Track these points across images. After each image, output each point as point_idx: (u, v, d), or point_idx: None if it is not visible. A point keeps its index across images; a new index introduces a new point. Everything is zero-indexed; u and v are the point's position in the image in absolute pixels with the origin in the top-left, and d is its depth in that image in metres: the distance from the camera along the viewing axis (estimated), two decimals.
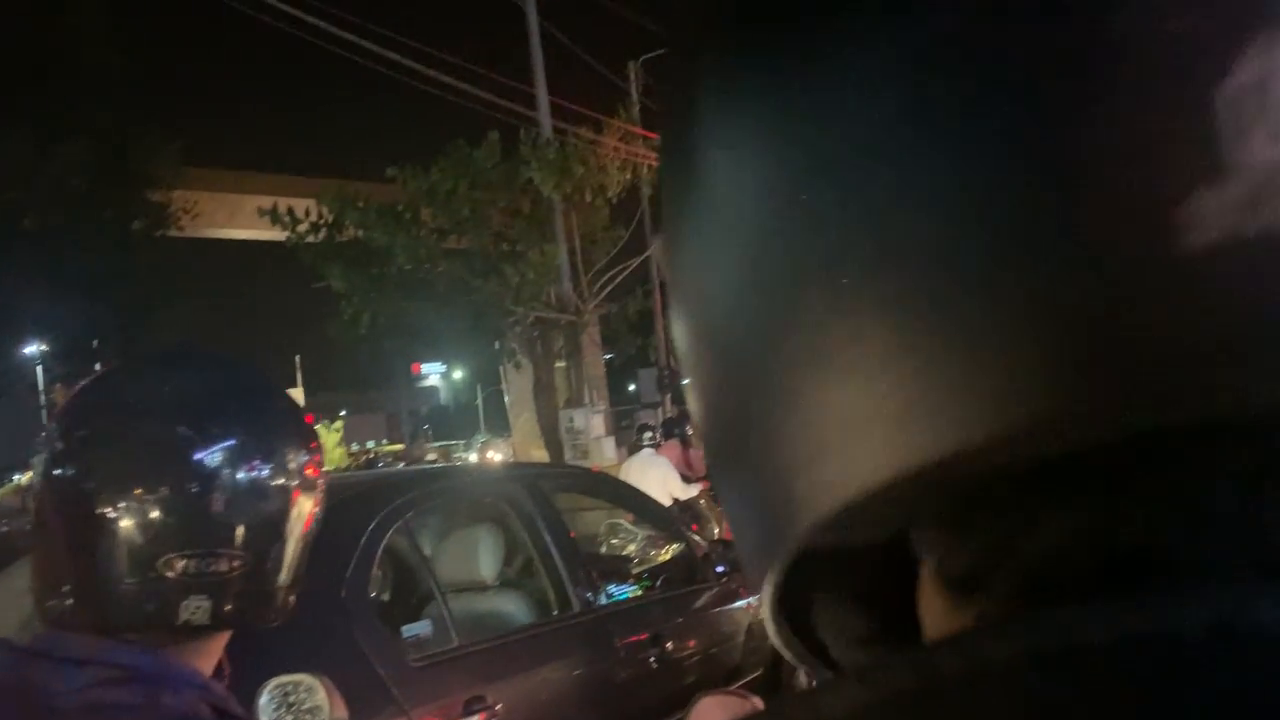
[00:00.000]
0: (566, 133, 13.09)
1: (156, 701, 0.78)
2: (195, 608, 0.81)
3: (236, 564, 0.82)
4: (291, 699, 1.55)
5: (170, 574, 0.80)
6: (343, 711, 1.53)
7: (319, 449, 0.91)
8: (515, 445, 21.31)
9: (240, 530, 0.82)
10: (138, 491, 0.80)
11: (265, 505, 0.84)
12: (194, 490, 0.81)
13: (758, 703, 1.42)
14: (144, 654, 0.82)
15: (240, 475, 0.82)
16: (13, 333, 17.28)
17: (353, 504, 2.92)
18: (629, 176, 13.26)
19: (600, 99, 14.25)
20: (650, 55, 17.40)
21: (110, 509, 0.80)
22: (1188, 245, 0.20)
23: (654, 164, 13.49)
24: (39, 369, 20.73)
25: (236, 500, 0.82)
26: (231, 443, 0.83)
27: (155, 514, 0.80)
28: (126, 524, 0.80)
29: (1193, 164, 0.20)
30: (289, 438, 0.87)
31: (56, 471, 0.82)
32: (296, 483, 0.86)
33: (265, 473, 0.84)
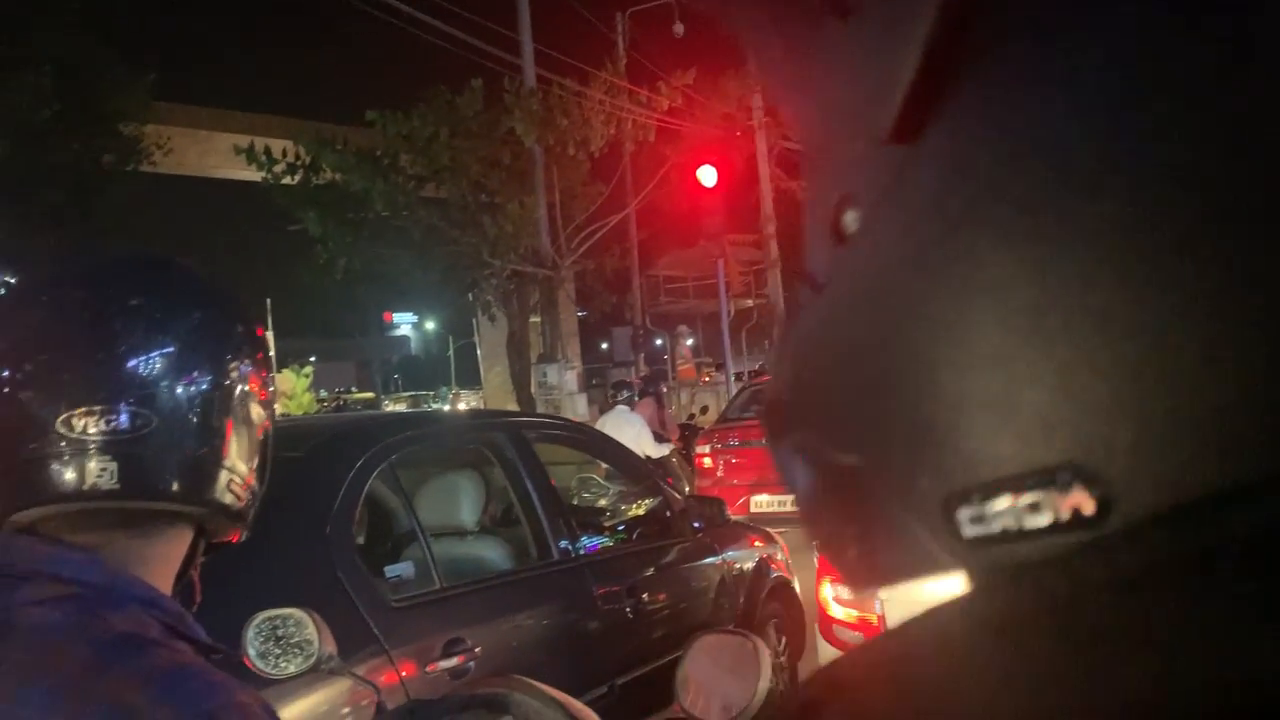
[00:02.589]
0: (551, 83, 12.92)
1: (97, 618, 0.75)
2: (101, 470, 0.77)
3: (140, 423, 0.78)
4: (280, 632, 1.52)
5: (71, 433, 0.77)
6: (332, 647, 1.51)
7: (257, 338, 0.89)
8: (486, 399, 21.29)
9: (143, 387, 0.79)
10: (36, 348, 0.80)
11: (170, 363, 0.81)
12: (90, 343, 0.79)
13: (759, 642, 1.42)
14: (91, 565, 0.79)
15: (141, 331, 0.80)
16: None
17: (339, 442, 2.90)
18: (613, 131, 13.13)
19: (587, 50, 14.07)
20: (639, 7, 17.18)
21: (9, 370, 0.79)
22: None
23: (638, 120, 13.40)
24: None
25: (136, 355, 0.79)
26: (135, 302, 0.81)
27: (53, 370, 0.78)
28: (25, 384, 0.78)
29: None
30: (204, 306, 0.85)
31: None
32: (211, 350, 0.84)
33: (170, 332, 0.81)
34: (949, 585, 0.26)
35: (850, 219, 0.28)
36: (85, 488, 0.77)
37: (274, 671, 1.47)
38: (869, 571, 0.29)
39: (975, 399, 0.24)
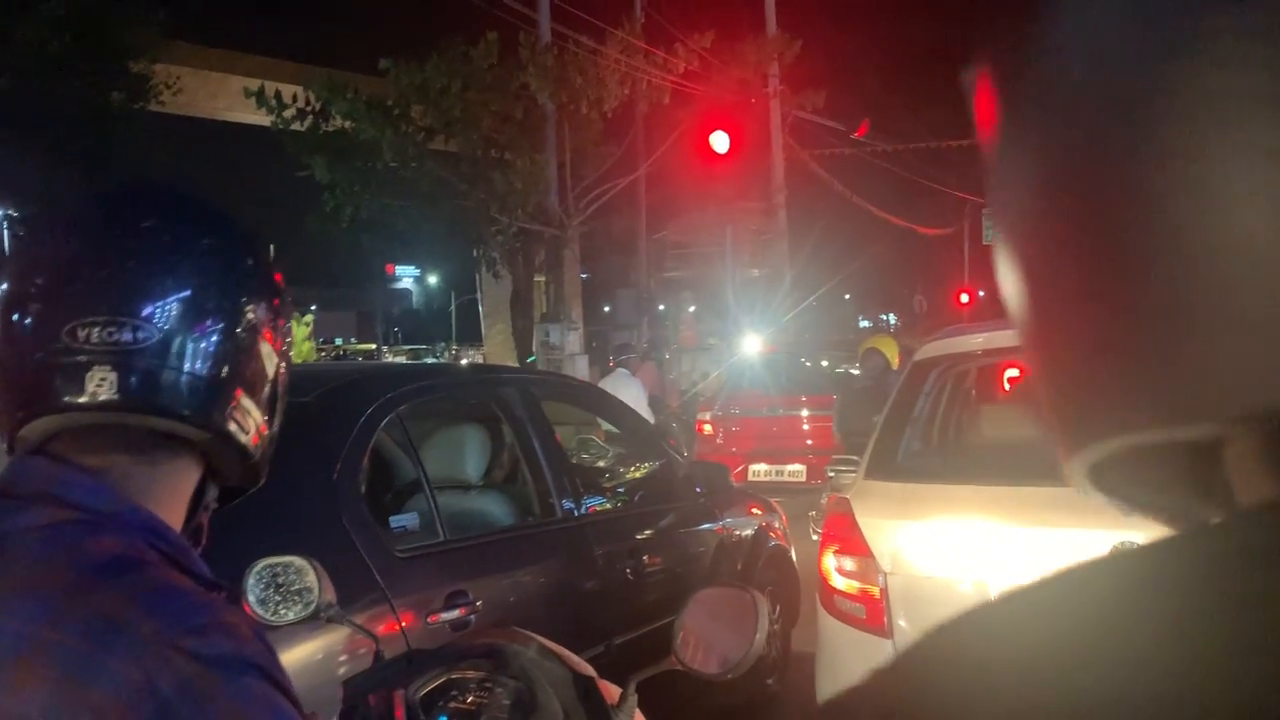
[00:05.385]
0: (566, 39, 12.75)
1: (95, 541, 0.76)
2: (100, 379, 0.79)
3: (141, 335, 0.80)
4: (280, 580, 1.51)
5: (74, 343, 0.79)
6: (331, 595, 1.50)
7: (271, 277, 0.91)
8: (487, 356, 21.26)
9: (147, 303, 0.81)
10: (50, 262, 0.82)
11: (176, 284, 0.82)
12: (99, 258, 0.81)
13: (758, 595, 1.41)
14: (97, 491, 0.80)
15: (150, 251, 0.82)
16: None
17: (349, 390, 2.88)
18: (627, 91, 12.98)
19: (604, 8, 13.86)
20: None
21: (22, 283, 0.82)
22: None
23: (654, 81, 13.23)
24: (4, 232, 20.20)
25: (142, 273, 0.81)
26: (148, 224, 0.84)
27: (63, 283, 0.81)
28: (38, 296, 0.81)
29: None
30: (215, 235, 0.87)
31: None
32: (219, 277, 0.85)
33: (179, 254, 0.83)
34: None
35: None
36: (84, 397, 0.79)
37: (273, 618, 1.46)
38: None
39: None
